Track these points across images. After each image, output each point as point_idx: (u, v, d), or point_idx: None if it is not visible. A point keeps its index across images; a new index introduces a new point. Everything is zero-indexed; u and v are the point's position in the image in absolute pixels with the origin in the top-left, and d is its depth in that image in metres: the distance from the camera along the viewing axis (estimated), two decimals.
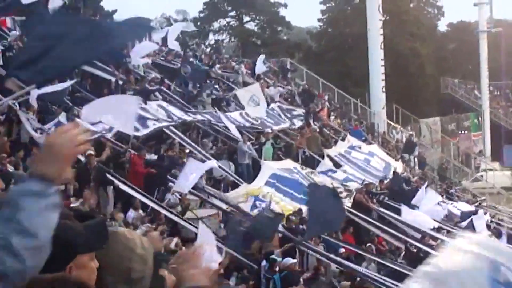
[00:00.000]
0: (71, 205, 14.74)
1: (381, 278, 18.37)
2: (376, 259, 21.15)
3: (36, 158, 2.92)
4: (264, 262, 17.15)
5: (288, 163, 26.93)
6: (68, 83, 21.15)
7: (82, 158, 18.20)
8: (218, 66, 38.22)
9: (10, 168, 15.77)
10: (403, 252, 22.98)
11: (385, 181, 29.64)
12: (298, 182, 24.66)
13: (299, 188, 24.12)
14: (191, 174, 19.27)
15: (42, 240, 2.76)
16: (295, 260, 18.09)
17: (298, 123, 33.85)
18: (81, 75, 25.17)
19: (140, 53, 29.54)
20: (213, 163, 21.64)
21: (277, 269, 16.98)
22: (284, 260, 17.43)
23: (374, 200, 26.52)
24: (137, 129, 21.73)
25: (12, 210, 2.73)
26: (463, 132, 59.22)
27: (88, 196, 16.27)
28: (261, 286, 17.09)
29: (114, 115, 19.78)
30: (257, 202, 22.07)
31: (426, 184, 31.20)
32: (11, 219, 2.73)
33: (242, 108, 30.27)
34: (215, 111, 29.11)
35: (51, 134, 2.99)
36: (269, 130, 29.83)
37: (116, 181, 18.08)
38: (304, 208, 22.12)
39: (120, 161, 20.34)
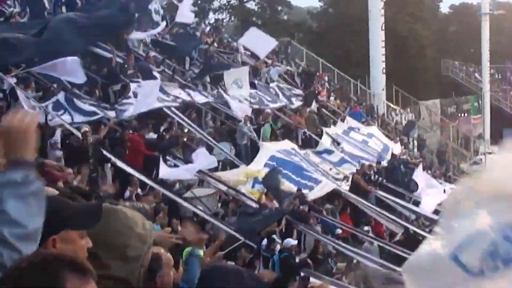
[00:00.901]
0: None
1: (378, 261, 18.44)
2: (373, 240, 21.24)
3: (5, 144, 2.94)
4: (265, 241, 17.22)
5: (287, 144, 26.94)
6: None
7: (79, 135, 18.26)
8: (217, 45, 38.14)
9: None
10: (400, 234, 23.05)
11: (382, 163, 29.69)
12: (297, 165, 24.71)
13: (297, 170, 24.19)
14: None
15: (31, 227, 2.79)
16: (295, 242, 18.19)
17: (296, 103, 33.86)
18: (81, 54, 25.11)
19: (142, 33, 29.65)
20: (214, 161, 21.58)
21: (277, 248, 17.07)
22: (285, 241, 17.53)
23: (372, 183, 26.57)
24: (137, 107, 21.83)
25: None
26: (463, 115, 59.15)
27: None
28: (257, 264, 17.16)
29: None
30: (257, 184, 22.13)
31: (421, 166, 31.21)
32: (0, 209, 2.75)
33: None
34: (217, 91, 29.17)
35: (7, 121, 2.99)
36: (268, 110, 29.83)
37: (113, 158, 18.10)
38: (305, 191, 22.23)
39: (117, 139, 20.35)
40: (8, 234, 2.72)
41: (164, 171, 19.00)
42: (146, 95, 21.26)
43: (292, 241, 17.76)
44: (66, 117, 19.71)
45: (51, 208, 3.07)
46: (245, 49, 37.89)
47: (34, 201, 2.82)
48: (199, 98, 27.59)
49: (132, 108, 21.30)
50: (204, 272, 3.62)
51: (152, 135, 22.08)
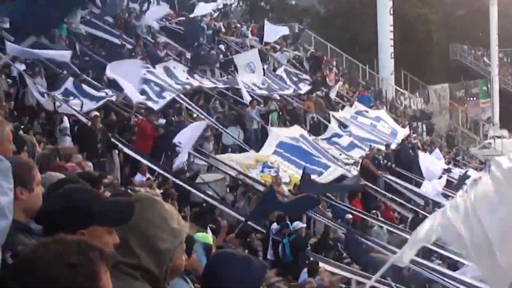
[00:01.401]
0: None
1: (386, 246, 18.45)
2: (382, 225, 21.26)
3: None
4: (274, 225, 17.27)
5: (295, 130, 26.91)
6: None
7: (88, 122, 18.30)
8: (224, 29, 38.16)
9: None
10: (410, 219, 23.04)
11: (391, 146, 29.67)
12: (304, 151, 24.75)
13: (305, 157, 24.23)
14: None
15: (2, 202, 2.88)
16: (304, 225, 18.24)
17: (304, 88, 33.83)
18: (90, 40, 25.18)
19: (153, 16, 29.61)
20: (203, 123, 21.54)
21: (285, 233, 17.13)
22: (294, 224, 17.58)
23: (382, 168, 26.57)
24: (155, 102, 21.84)
25: None
26: (471, 99, 59.01)
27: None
28: (268, 249, 17.23)
29: (121, 79, 19.93)
30: (266, 169, 22.14)
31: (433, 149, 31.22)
32: None
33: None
34: (226, 77, 29.21)
35: None
36: (276, 96, 29.84)
37: (120, 145, 18.12)
38: (314, 176, 22.25)
39: (126, 125, 20.39)
40: None
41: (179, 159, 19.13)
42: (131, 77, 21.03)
43: (300, 224, 17.83)
44: (76, 102, 19.74)
45: (82, 201, 3.11)
46: (253, 34, 37.93)
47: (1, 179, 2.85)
48: (207, 83, 27.62)
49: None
50: (213, 259, 3.61)
51: (161, 120, 22.09)
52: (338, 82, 38.73)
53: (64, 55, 20.69)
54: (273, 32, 37.66)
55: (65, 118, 18.76)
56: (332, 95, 34.97)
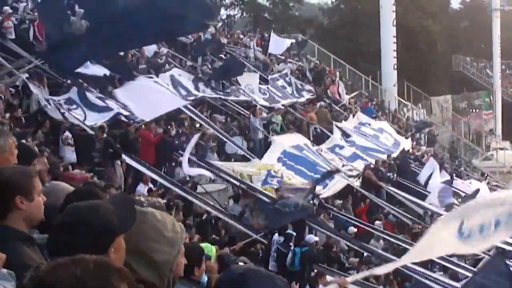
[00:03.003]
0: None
1: (389, 256, 18.44)
2: (385, 236, 21.26)
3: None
4: (276, 236, 17.27)
5: (298, 138, 26.88)
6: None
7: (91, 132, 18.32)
8: (228, 41, 38.20)
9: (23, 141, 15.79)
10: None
11: (392, 156, 29.67)
12: (308, 160, 24.68)
13: (309, 165, 24.16)
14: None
15: None
16: (317, 238, 18.31)
17: (306, 96, 33.95)
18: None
19: None
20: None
21: (291, 244, 17.15)
22: (307, 237, 17.69)
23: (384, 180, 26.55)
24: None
25: None
26: (474, 110, 59.03)
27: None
28: (270, 261, 17.21)
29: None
30: (269, 178, 22.06)
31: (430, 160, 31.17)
32: None
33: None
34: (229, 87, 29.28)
35: None
36: (279, 106, 29.86)
37: (123, 156, 18.12)
38: (319, 187, 22.20)
39: (128, 135, 20.37)
40: None
41: (186, 168, 19.09)
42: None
43: (314, 238, 17.92)
44: (79, 113, 19.73)
45: (101, 220, 3.04)
46: (257, 45, 37.99)
47: None
48: (210, 93, 27.68)
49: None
50: (237, 276, 3.55)
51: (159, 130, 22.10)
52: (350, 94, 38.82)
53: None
54: (279, 44, 37.84)
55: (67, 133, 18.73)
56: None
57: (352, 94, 39.13)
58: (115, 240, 3.05)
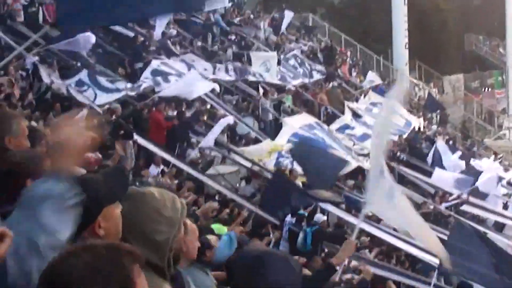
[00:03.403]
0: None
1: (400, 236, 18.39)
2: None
3: (50, 150, 2.93)
4: (289, 217, 17.26)
5: (308, 118, 26.81)
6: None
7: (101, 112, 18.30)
8: (238, 20, 38.09)
9: (34, 124, 15.78)
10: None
11: (403, 137, 29.57)
12: (319, 141, 24.61)
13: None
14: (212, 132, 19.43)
15: (64, 239, 2.77)
16: (325, 217, 18.29)
17: (316, 76, 33.82)
18: (102, 31, 25.13)
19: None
20: (230, 119, 21.61)
21: (303, 224, 17.15)
22: (316, 216, 17.64)
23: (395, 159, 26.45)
24: (157, 83, 21.79)
25: (37, 212, 2.75)
26: (486, 89, 58.69)
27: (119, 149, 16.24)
28: (282, 242, 17.22)
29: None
30: (280, 159, 22.03)
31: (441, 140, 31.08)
32: (38, 220, 2.73)
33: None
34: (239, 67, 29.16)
35: (55, 130, 2.97)
36: (290, 87, 29.77)
37: (135, 136, 18.11)
38: None
39: (139, 116, 20.37)
40: (42, 243, 2.70)
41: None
42: (186, 84, 21.09)
43: (322, 217, 17.87)
44: (89, 93, 19.73)
45: (90, 191, 3.04)
46: (267, 25, 37.87)
47: (72, 215, 2.81)
48: (223, 74, 27.61)
49: (168, 89, 21.11)
50: (253, 259, 3.52)
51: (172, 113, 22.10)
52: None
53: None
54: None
55: (84, 110, 18.71)
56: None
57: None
58: (104, 210, 3.07)
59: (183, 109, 22.61)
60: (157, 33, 27.18)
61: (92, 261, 2.22)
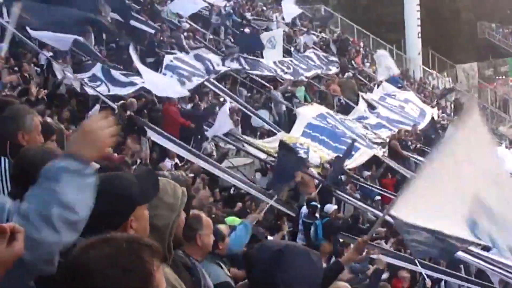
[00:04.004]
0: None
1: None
2: None
3: (72, 140, 2.96)
4: (304, 209, 17.22)
5: (320, 107, 26.80)
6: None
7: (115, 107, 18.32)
8: (251, 14, 38.06)
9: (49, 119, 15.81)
10: None
11: (418, 127, 29.45)
12: (333, 131, 24.58)
13: (334, 136, 24.06)
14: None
15: (81, 216, 2.79)
16: (335, 207, 18.19)
17: (333, 70, 33.76)
18: (116, 26, 25.15)
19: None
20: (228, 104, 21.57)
21: (317, 215, 17.07)
22: (326, 206, 17.53)
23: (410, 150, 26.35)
24: (183, 83, 21.78)
25: (53, 183, 2.76)
26: (500, 77, 58.40)
27: (131, 143, 16.27)
28: (298, 233, 17.21)
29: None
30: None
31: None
32: (53, 191, 2.74)
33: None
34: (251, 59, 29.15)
35: (88, 120, 3.05)
36: (303, 78, 29.72)
37: (148, 131, 18.10)
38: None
39: (153, 110, 20.38)
40: (55, 215, 2.70)
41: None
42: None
43: (333, 206, 17.78)
44: (103, 89, 19.75)
45: (120, 190, 3.16)
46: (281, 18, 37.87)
47: (89, 193, 2.81)
48: (234, 66, 27.61)
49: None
50: (274, 253, 3.51)
51: (186, 106, 22.11)
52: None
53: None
54: (291, 10, 37.73)
55: (96, 105, 18.75)
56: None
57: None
58: (136, 210, 3.16)
59: (197, 102, 22.62)
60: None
61: (113, 253, 2.25)
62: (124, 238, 2.34)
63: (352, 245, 7.44)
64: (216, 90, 24.54)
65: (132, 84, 20.62)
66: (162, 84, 20.08)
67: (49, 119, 15.73)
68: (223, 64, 26.70)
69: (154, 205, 3.40)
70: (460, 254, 16.82)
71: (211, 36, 31.23)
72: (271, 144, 21.78)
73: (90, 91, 19.02)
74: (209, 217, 5.36)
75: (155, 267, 2.29)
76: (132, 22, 25.45)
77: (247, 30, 33.53)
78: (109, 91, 19.60)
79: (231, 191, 18.59)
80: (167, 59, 23.10)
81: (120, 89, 20.10)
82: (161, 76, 21.10)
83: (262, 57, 29.89)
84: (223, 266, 5.86)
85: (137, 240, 2.35)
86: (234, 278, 5.95)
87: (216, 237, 5.80)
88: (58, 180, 2.76)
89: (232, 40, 31.17)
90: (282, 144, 17.44)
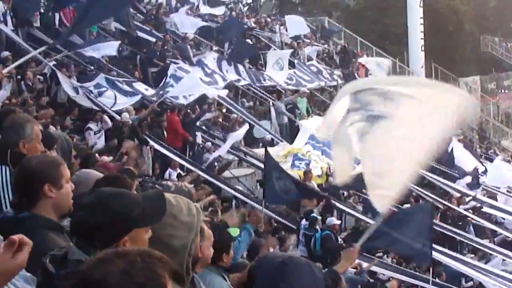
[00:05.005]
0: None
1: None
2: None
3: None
4: (304, 221, 17.21)
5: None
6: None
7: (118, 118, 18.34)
8: (254, 24, 38.12)
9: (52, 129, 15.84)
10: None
11: None
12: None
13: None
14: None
15: None
16: (338, 222, 18.18)
17: (337, 80, 33.88)
18: (120, 37, 25.22)
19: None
20: (242, 132, 21.63)
21: (317, 227, 17.05)
22: (328, 220, 17.53)
23: None
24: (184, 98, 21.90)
25: None
26: (503, 91, 58.41)
27: (130, 149, 16.23)
28: (299, 245, 17.20)
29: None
30: (296, 161, 22.03)
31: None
32: None
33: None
34: (253, 70, 29.21)
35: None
36: (305, 89, 29.74)
37: (151, 141, 18.14)
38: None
39: (155, 120, 20.40)
40: None
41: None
42: (189, 84, 21.17)
43: (334, 220, 17.75)
44: (109, 94, 19.82)
45: (121, 208, 3.08)
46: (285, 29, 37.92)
47: None
48: (236, 78, 27.67)
49: (172, 90, 21.29)
50: (277, 266, 3.51)
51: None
52: None
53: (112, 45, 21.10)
54: (298, 25, 37.74)
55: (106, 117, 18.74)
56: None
57: None
58: (133, 231, 3.07)
59: (188, 111, 22.67)
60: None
61: (128, 268, 2.23)
62: (137, 252, 2.31)
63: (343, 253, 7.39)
64: (220, 101, 24.58)
65: (135, 93, 20.69)
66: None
67: (52, 128, 15.80)
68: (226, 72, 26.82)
69: (170, 224, 3.31)
70: (460, 267, 16.91)
71: (215, 48, 31.27)
72: (274, 152, 21.78)
73: (98, 102, 19.05)
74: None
75: (167, 281, 2.27)
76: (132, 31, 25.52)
77: (249, 41, 33.61)
78: (115, 102, 19.62)
79: (233, 203, 18.60)
80: (172, 68, 23.24)
81: (126, 99, 20.14)
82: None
83: (265, 69, 30.03)
84: (226, 278, 5.86)
85: (148, 253, 2.32)
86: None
87: (223, 249, 5.79)
88: None
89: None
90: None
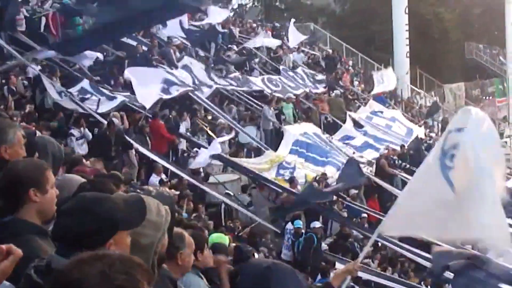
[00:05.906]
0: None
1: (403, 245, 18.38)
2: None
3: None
4: (289, 226, 17.29)
5: (308, 127, 26.90)
6: None
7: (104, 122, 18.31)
8: (239, 30, 38.13)
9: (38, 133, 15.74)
10: None
11: (406, 146, 29.52)
12: (319, 146, 24.70)
13: (320, 151, 24.18)
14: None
15: None
16: (320, 225, 18.29)
17: (321, 88, 33.86)
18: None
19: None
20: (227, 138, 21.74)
21: (302, 232, 17.20)
22: (312, 224, 17.66)
23: (397, 168, 26.38)
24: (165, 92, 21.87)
25: None
26: (487, 98, 58.70)
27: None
28: (283, 250, 17.25)
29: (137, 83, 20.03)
30: (281, 170, 22.07)
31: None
32: None
33: (265, 73, 30.42)
34: (240, 76, 29.21)
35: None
36: (290, 95, 29.76)
37: (135, 145, 18.14)
38: (329, 170, 22.18)
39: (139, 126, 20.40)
40: None
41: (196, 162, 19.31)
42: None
43: (317, 224, 17.85)
44: (94, 99, 19.80)
45: (105, 213, 3.10)
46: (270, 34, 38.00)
47: None
48: (223, 83, 27.63)
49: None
50: (265, 269, 3.53)
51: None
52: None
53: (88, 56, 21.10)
54: (296, 36, 37.94)
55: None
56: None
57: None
58: (117, 234, 3.11)
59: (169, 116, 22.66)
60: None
61: (106, 269, 2.22)
62: (117, 255, 2.31)
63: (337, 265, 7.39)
64: (207, 107, 24.60)
65: (116, 98, 20.68)
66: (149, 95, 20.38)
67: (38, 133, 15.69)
68: (210, 78, 26.77)
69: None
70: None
71: (201, 54, 31.23)
72: (258, 166, 21.79)
73: (82, 105, 19.01)
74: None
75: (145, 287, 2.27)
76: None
77: (234, 47, 33.61)
78: (98, 105, 19.58)
79: (221, 208, 18.61)
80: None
81: (108, 103, 20.10)
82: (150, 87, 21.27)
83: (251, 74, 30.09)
84: (202, 277, 5.86)
85: (129, 258, 2.33)
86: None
87: (197, 248, 5.76)
88: None
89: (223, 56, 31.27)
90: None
